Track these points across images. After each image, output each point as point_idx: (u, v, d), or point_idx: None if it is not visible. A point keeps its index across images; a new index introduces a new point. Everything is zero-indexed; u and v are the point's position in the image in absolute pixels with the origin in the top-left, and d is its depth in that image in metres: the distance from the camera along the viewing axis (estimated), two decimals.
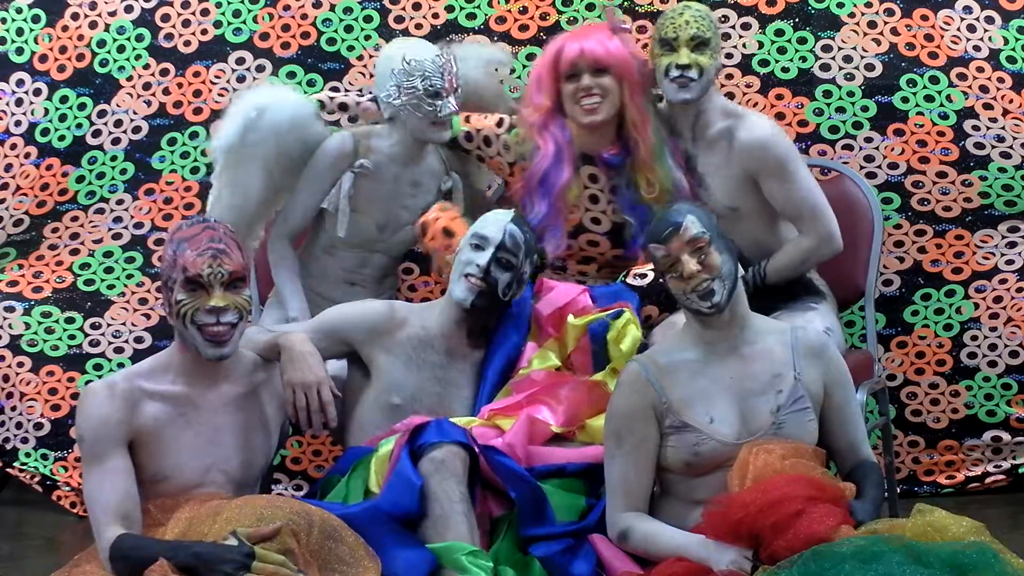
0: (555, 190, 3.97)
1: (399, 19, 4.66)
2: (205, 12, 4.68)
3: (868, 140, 4.61)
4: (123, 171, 4.71)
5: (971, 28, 4.57)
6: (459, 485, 3.27)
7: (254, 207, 4.02)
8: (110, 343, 4.70)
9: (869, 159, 4.60)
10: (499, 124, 4.09)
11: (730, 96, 4.61)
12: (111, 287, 4.72)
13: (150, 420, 3.20)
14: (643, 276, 3.86)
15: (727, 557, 3.02)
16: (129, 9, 4.69)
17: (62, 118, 4.69)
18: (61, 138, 4.70)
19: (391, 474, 3.31)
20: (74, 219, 4.72)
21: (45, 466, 4.68)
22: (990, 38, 4.57)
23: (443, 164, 4.13)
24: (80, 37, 4.69)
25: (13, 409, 4.70)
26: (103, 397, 3.17)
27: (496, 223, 3.70)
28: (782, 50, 4.63)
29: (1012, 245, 4.61)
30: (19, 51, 4.70)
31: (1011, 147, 4.56)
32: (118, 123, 4.69)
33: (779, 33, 4.63)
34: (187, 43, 4.69)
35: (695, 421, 3.23)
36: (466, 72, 4.11)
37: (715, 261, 3.24)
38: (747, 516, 3.00)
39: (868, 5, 4.60)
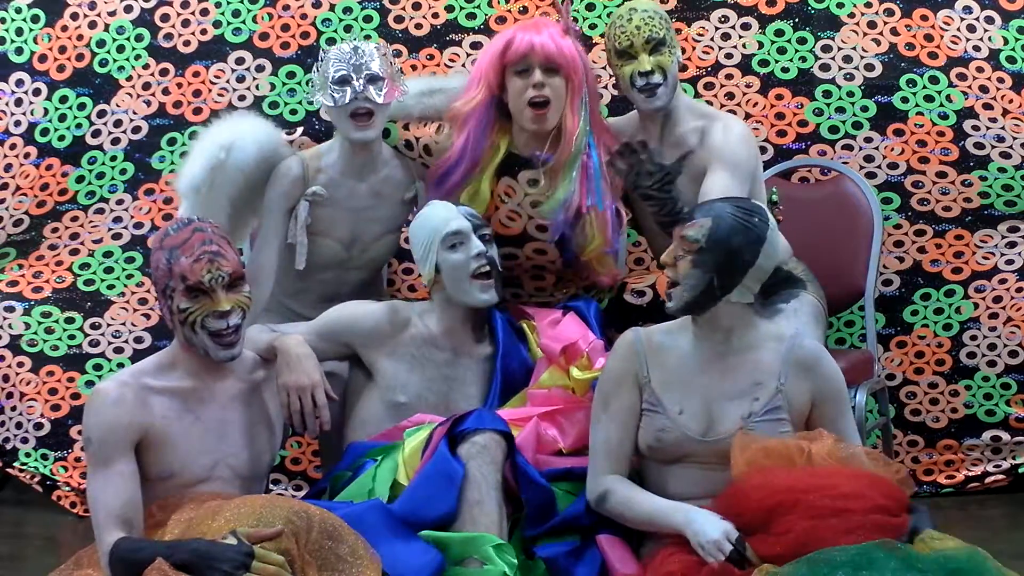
0: (443, 189, 3.85)
1: (399, 19, 4.66)
2: (205, 12, 4.68)
3: (868, 140, 4.60)
4: (123, 171, 4.71)
5: (971, 28, 4.57)
6: (496, 472, 3.26)
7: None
8: (110, 343, 4.70)
9: (869, 159, 4.60)
10: (438, 131, 3.97)
11: (730, 96, 4.61)
12: (111, 287, 4.72)
13: (159, 417, 3.19)
14: (641, 294, 3.83)
15: (711, 527, 3.00)
16: (129, 9, 4.68)
17: (62, 118, 4.69)
18: (61, 138, 4.69)
19: (426, 465, 3.28)
20: (74, 219, 4.72)
21: (45, 466, 4.68)
22: (990, 38, 4.57)
23: (408, 172, 4.02)
24: (80, 37, 4.69)
25: (13, 409, 4.70)
26: (114, 398, 3.15)
27: (454, 215, 3.68)
28: (782, 50, 4.62)
29: (1012, 245, 4.60)
30: (19, 51, 4.70)
31: (1011, 147, 4.56)
32: (118, 123, 4.69)
33: (779, 33, 4.62)
34: (187, 43, 4.68)
35: (666, 407, 3.25)
36: (405, 101, 3.97)
37: (682, 268, 3.22)
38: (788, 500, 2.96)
39: (868, 5, 4.60)
